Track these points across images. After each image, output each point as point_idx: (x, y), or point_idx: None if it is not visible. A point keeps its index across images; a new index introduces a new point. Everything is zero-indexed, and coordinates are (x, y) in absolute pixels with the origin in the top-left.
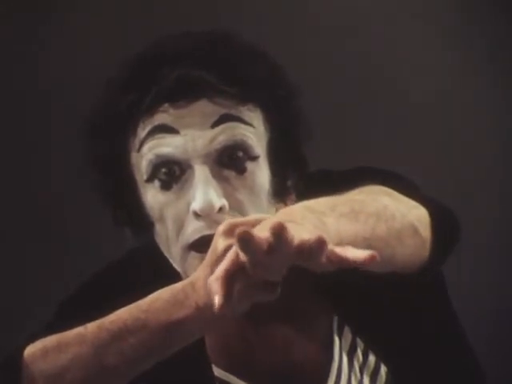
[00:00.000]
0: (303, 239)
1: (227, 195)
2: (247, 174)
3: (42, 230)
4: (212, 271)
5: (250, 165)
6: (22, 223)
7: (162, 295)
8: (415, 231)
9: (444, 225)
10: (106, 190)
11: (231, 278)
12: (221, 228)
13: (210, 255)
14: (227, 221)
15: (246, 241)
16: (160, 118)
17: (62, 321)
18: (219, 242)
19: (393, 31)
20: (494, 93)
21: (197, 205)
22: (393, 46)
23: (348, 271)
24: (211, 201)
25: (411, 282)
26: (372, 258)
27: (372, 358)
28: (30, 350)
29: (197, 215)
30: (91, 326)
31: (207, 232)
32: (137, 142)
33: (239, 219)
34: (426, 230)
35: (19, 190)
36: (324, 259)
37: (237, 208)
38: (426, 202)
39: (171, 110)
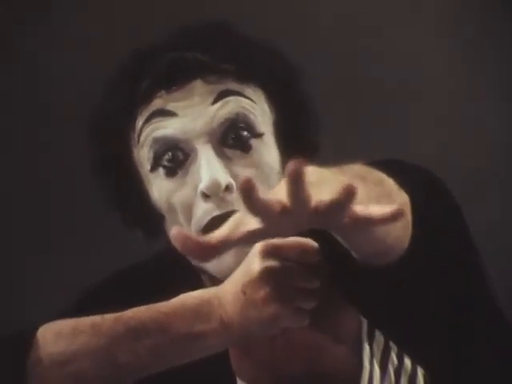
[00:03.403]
0: (321, 199)
1: (234, 174)
2: (252, 151)
3: (41, 235)
4: (244, 292)
5: (254, 142)
6: (21, 229)
7: (185, 302)
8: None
9: (425, 213)
10: (112, 193)
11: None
12: (258, 247)
13: (242, 273)
14: (265, 241)
15: (248, 192)
16: (156, 104)
17: (79, 312)
18: (255, 263)
19: (392, 28)
20: (494, 93)
21: (203, 184)
22: (393, 45)
23: (372, 273)
24: (217, 178)
25: (443, 278)
26: (399, 213)
27: (408, 361)
28: (43, 330)
29: (204, 196)
30: (108, 319)
31: (217, 212)
32: (136, 135)
33: (278, 240)
34: (409, 215)
35: (19, 194)
36: (346, 218)
37: None
38: (411, 190)
39: (167, 95)
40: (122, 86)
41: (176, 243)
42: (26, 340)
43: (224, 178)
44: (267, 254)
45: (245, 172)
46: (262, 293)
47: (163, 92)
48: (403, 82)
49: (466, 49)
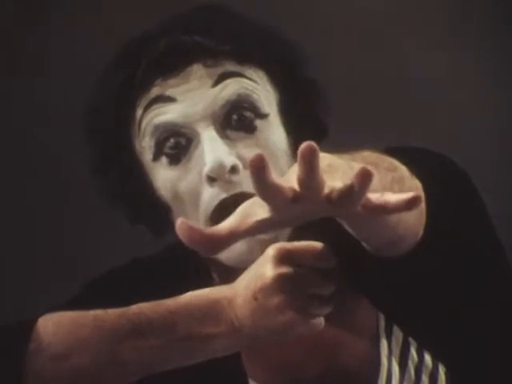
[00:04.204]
0: (334, 186)
1: (239, 156)
2: (258, 132)
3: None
4: (255, 298)
5: (259, 123)
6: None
7: (194, 301)
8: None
9: (439, 202)
10: (115, 191)
11: (237, 235)
12: (270, 252)
13: (253, 276)
14: (278, 245)
15: (259, 169)
16: (155, 92)
17: (85, 300)
18: (268, 269)
19: (393, 28)
20: (494, 93)
21: (207, 167)
22: (393, 43)
23: (386, 264)
24: (221, 160)
25: (461, 268)
26: (416, 200)
27: (428, 357)
28: (44, 321)
29: (210, 179)
30: (112, 313)
31: (224, 195)
32: (136, 126)
33: (291, 244)
34: (422, 203)
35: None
36: (359, 206)
37: None
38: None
39: (165, 82)
40: (118, 76)
41: (181, 235)
42: (25, 329)
43: (229, 159)
44: (281, 259)
45: (250, 153)
46: (275, 300)
47: (160, 80)
48: (403, 80)
49: (465, 49)
